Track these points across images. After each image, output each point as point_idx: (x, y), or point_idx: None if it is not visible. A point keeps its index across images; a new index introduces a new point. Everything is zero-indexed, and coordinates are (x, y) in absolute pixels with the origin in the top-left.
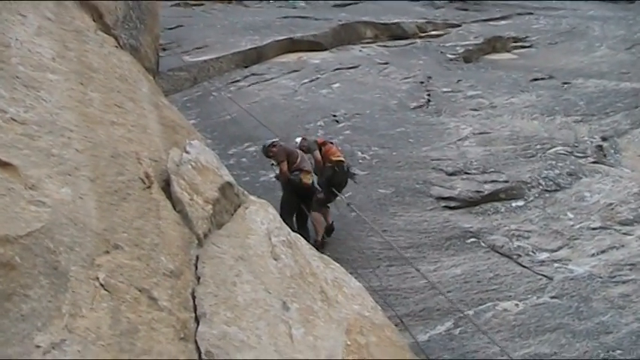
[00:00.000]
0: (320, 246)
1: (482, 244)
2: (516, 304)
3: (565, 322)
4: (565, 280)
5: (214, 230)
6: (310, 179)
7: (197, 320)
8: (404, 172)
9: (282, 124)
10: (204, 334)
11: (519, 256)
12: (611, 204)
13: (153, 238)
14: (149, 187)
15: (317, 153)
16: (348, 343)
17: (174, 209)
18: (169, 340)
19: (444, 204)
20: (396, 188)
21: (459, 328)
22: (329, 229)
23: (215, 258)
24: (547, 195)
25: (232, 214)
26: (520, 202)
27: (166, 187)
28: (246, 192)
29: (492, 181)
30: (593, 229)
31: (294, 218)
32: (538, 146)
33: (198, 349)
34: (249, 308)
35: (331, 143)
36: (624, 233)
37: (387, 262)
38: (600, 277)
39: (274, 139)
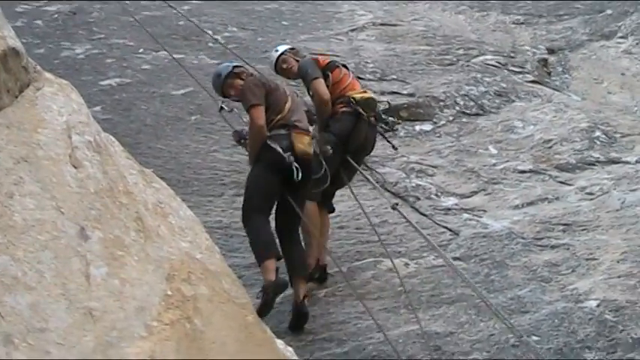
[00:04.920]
0: (319, 270)
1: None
2: (406, 264)
3: (469, 293)
4: (475, 237)
5: None
6: (310, 146)
7: None
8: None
9: None
10: None
11: (417, 199)
12: (549, 141)
13: None
14: None
15: (320, 83)
16: (169, 293)
17: None
18: None
19: None
20: None
21: (325, 290)
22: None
23: None
24: (464, 120)
25: (16, 97)
26: (427, 126)
27: None
28: (39, 67)
29: (392, 93)
30: (521, 172)
31: (275, 224)
32: (460, 51)
33: None
34: (29, 232)
35: (344, 67)
36: (561, 182)
37: (234, 188)
38: (522, 238)
39: (229, 66)
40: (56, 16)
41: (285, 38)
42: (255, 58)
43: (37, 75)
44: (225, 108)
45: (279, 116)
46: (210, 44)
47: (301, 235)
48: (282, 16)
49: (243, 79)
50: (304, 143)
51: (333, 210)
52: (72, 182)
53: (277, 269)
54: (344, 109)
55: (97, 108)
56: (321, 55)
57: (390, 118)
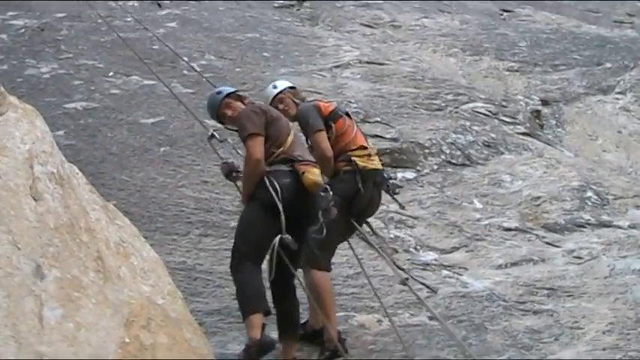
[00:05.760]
0: (336, 350)
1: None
2: (379, 321)
3: (444, 356)
4: (454, 296)
5: None
6: (320, 176)
7: None
8: None
9: None
10: None
11: (395, 251)
12: (537, 198)
13: None
14: None
15: (323, 137)
16: (127, 340)
17: None
18: None
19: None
20: None
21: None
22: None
23: None
24: (450, 169)
25: None
26: (410, 174)
27: None
28: (3, 89)
29: (375, 136)
30: (507, 229)
31: (271, 277)
32: (450, 96)
33: None
34: None
35: (347, 116)
36: (548, 243)
37: (201, 228)
38: (504, 301)
39: (231, 88)
40: (23, 31)
41: (265, 70)
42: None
43: (1, 98)
44: (217, 136)
45: (280, 149)
46: (185, 72)
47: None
48: (264, 47)
49: (244, 104)
50: (314, 173)
51: (329, 270)
52: (30, 216)
53: (264, 326)
54: (347, 167)
55: (60, 132)
56: (323, 101)
57: (392, 181)
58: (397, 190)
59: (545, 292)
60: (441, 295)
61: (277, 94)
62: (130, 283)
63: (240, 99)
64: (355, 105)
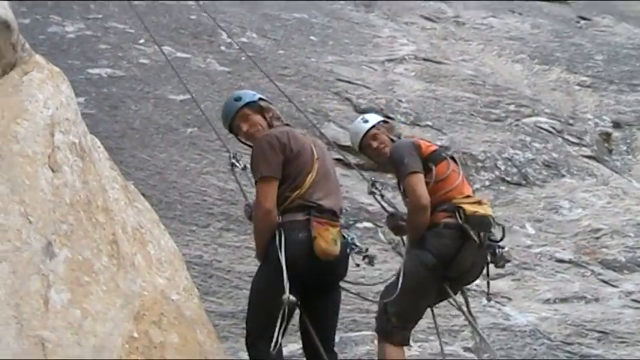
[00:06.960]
0: None
1: (382, 239)
2: (409, 346)
3: None
4: (494, 327)
5: None
6: (335, 243)
7: None
8: (288, 85)
9: None
10: None
11: None
12: (597, 230)
13: None
14: None
15: (418, 181)
16: (135, 335)
17: None
18: None
19: (337, 157)
20: None
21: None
22: None
23: None
24: (503, 187)
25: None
26: None
27: None
28: (28, 46)
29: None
30: (560, 261)
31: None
32: (512, 107)
33: None
34: None
35: (453, 160)
36: (605, 281)
37: (222, 221)
38: (549, 339)
39: (254, 95)
40: None
41: (310, 56)
42: (270, 73)
43: (27, 56)
44: (238, 165)
45: (295, 193)
46: (223, 48)
47: None
48: (311, 30)
49: (266, 120)
50: (327, 240)
51: (406, 344)
52: (46, 188)
53: None
54: (448, 219)
55: (80, 99)
56: (422, 140)
57: (502, 250)
58: (505, 263)
59: (596, 335)
60: (480, 326)
61: (369, 130)
62: (145, 273)
63: (262, 111)
64: (406, 105)
